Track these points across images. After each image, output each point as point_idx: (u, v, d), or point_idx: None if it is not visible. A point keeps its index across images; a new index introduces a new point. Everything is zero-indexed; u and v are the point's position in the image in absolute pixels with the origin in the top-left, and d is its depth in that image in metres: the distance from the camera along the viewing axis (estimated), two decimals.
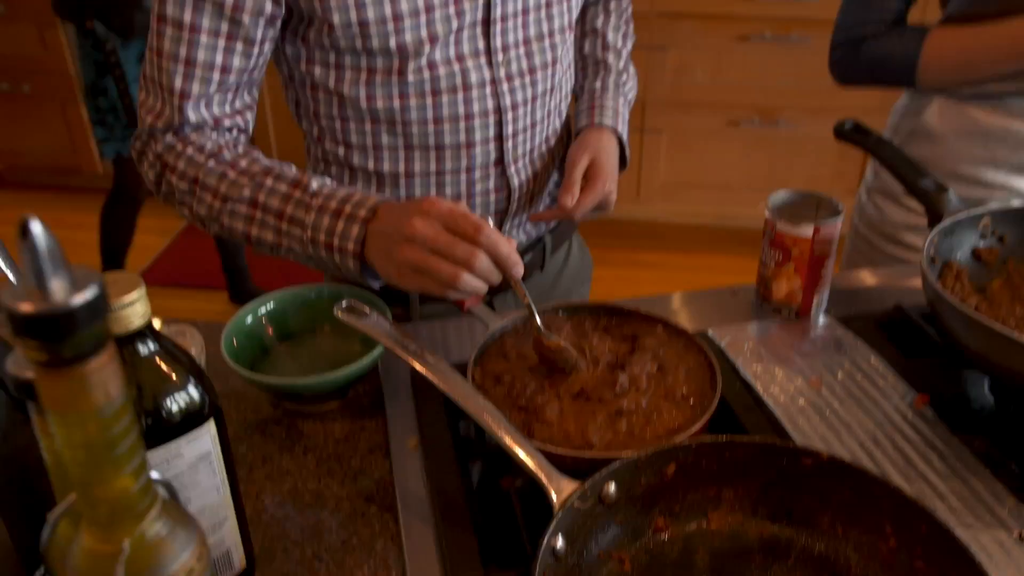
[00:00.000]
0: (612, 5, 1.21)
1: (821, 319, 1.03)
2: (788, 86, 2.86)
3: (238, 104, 0.96)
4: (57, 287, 0.35)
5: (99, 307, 0.36)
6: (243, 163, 0.92)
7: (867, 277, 1.17)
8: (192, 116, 0.93)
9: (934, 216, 0.98)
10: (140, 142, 0.97)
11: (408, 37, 0.93)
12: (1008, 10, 1.11)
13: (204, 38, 0.89)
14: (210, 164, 0.91)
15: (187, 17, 0.88)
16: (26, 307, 0.34)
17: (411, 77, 0.96)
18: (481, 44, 0.98)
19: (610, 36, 1.20)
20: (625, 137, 1.14)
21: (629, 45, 1.23)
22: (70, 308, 0.35)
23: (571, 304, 0.94)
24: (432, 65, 0.96)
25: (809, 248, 0.97)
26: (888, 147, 1.05)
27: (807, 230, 0.96)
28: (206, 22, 0.89)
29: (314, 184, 0.89)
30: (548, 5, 1.01)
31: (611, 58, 1.19)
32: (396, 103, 0.98)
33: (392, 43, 0.93)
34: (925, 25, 1.19)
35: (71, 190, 3.46)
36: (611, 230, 3.16)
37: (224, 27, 0.89)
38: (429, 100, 0.98)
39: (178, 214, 0.98)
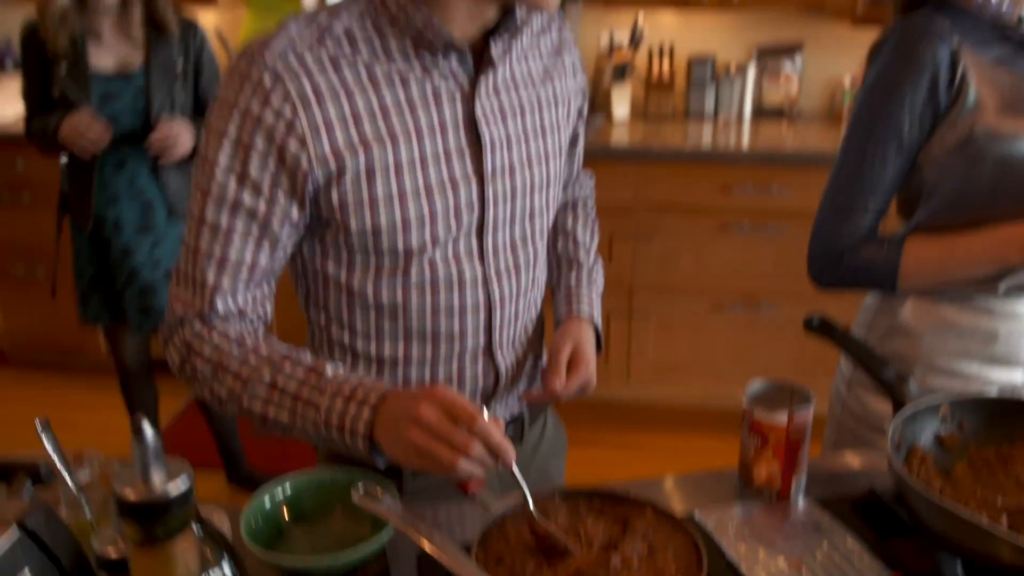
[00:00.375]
0: (579, 209, 1.37)
1: (800, 501, 1.10)
2: (768, 272, 3.03)
3: (259, 296, 1.07)
4: (157, 478, 0.43)
5: (188, 496, 0.44)
6: (263, 350, 1.01)
7: (844, 460, 1.24)
8: (220, 307, 1.03)
9: (897, 404, 1.07)
10: (168, 328, 1.07)
11: (414, 241, 1.05)
12: (975, 220, 1.23)
13: (237, 239, 1.01)
14: (233, 350, 1.01)
15: (224, 221, 1.01)
16: (131, 495, 0.43)
17: (414, 274, 1.08)
18: (475, 246, 1.11)
19: (580, 235, 1.35)
20: (600, 325, 1.27)
21: (596, 241, 1.37)
22: (167, 498, 0.43)
23: (567, 488, 1.01)
24: (432, 264, 1.08)
25: (785, 434, 1.06)
26: (852, 340, 1.15)
27: (782, 417, 1.05)
28: (240, 225, 1.01)
29: (328, 371, 0.98)
30: (531, 215, 1.15)
31: (582, 255, 1.33)
32: (400, 296, 1.09)
33: (400, 245, 1.05)
34: (896, 234, 1.30)
35: (76, 369, 3.55)
36: (604, 412, 3.24)
37: (255, 230, 1.01)
38: (429, 294, 1.10)
39: (197, 394, 1.07)
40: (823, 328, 1.18)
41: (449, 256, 1.09)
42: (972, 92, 1.18)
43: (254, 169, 0.99)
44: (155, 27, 2.33)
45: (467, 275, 1.10)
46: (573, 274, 1.31)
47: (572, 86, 1.21)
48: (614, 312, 3.16)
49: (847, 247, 1.29)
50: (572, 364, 1.17)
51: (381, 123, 1.01)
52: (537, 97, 1.14)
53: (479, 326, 1.14)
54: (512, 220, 1.13)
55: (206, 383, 1.03)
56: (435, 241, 1.06)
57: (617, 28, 3.41)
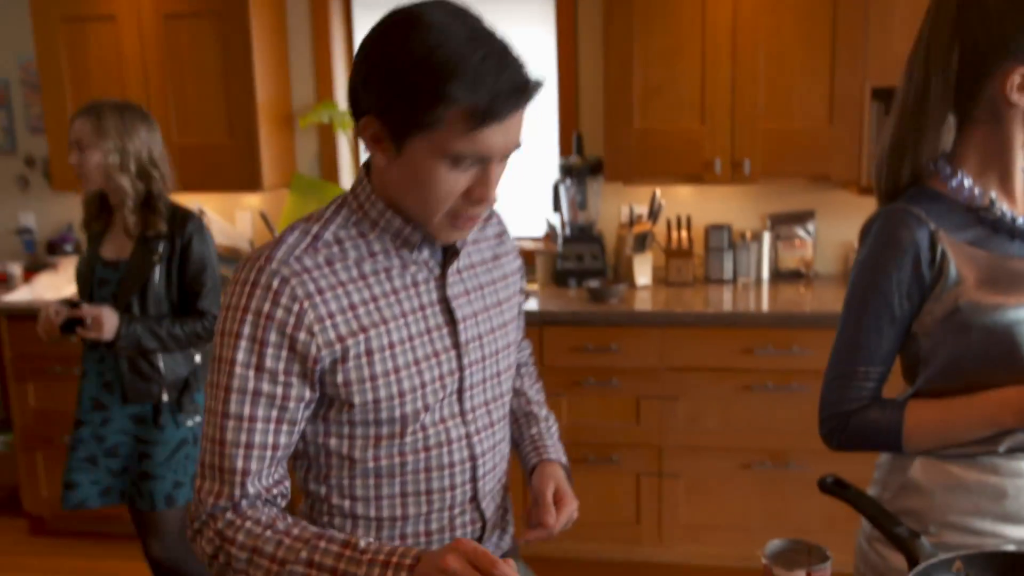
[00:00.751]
0: (524, 370, 1.58)
1: None
2: (794, 430, 3.08)
3: (280, 475, 1.20)
4: None
5: None
6: (296, 531, 1.12)
7: None
8: (251, 489, 1.16)
9: (911, 560, 1.14)
10: (199, 523, 1.17)
11: (408, 408, 1.21)
12: (970, 385, 1.32)
13: (260, 425, 1.16)
14: (267, 534, 1.12)
15: (247, 411, 1.15)
16: None
17: (409, 439, 1.23)
18: (457, 408, 1.28)
19: (530, 393, 1.56)
20: (567, 465, 1.47)
21: (543, 396, 1.59)
22: None
23: None
24: (424, 428, 1.24)
25: None
26: (864, 498, 1.23)
27: (800, 575, 1.12)
28: (261, 412, 1.16)
29: (362, 543, 1.09)
30: (498, 376, 1.34)
31: (536, 410, 1.54)
32: (397, 459, 1.24)
33: (397, 413, 1.21)
34: (899, 398, 1.39)
35: (112, 537, 3.60)
36: (637, 572, 3.23)
37: (275, 414, 1.16)
38: (422, 454, 1.25)
39: None
40: (836, 487, 1.25)
41: (437, 419, 1.25)
42: (952, 269, 1.30)
43: (270, 360, 1.15)
44: (143, 224, 2.50)
45: (453, 434, 1.27)
46: (534, 427, 1.50)
47: (515, 266, 1.43)
48: (644, 472, 3.21)
49: (852, 411, 1.38)
50: (556, 501, 1.36)
51: (373, 311, 1.19)
52: (491, 277, 1.35)
53: (466, 478, 1.30)
54: (484, 382, 1.31)
55: (240, 569, 1.12)
56: (426, 407, 1.23)
57: (636, 202, 3.63)
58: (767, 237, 3.52)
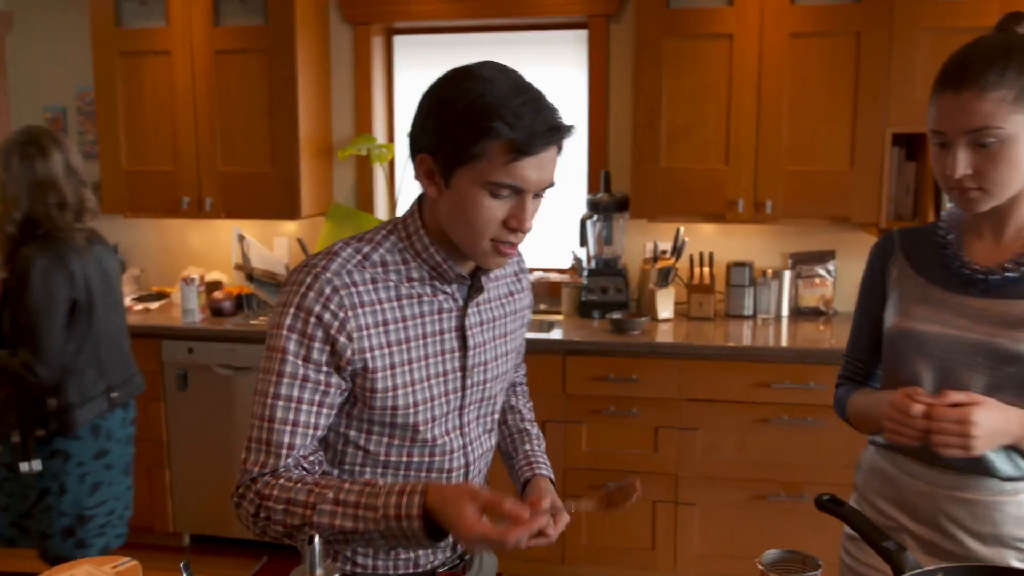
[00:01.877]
0: (519, 390, 1.76)
1: None
2: (809, 463, 3.16)
3: (316, 452, 1.37)
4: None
5: None
6: (323, 481, 1.31)
7: None
8: (291, 461, 1.33)
9: (896, 572, 1.23)
10: (242, 488, 1.33)
11: (420, 416, 1.39)
12: (894, 385, 1.49)
13: (305, 407, 1.33)
14: (298, 487, 1.29)
15: (295, 393, 1.32)
16: None
17: (418, 442, 1.40)
18: (457, 422, 1.45)
19: (524, 411, 1.72)
20: (554, 480, 1.61)
21: (534, 412, 1.75)
22: None
23: None
24: (434, 437, 1.41)
25: None
26: (857, 514, 1.33)
27: None
28: (307, 395, 1.33)
29: (380, 482, 1.28)
30: (493, 397, 1.51)
31: (529, 426, 1.69)
32: (404, 458, 1.41)
33: (411, 419, 1.38)
34: (869, 384, 1.67)
35: (144, 548, 3.72)
36: None
37: (317, 398, 1.33)
38: (427, 459, 1.42)
39: (271, 536, 1.31)
40: (832, 504, 1.35)
41: (444, 431, 1.42)
42: (891, 284, 1.56)
43: (316, 353, 1.32)
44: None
45: (455, 444, 1.45)
46: (527, 444, 1.65)
47: (526, 303, 1.60)
48: (660, 499, 3.29)
49: (837, 385, 1.72)
50: (552, 514, 1.44)
51: (401, 329, 1.36)
52: (504, 311, 1.52)
53: (459, 479, 1.47)
54: (481, 401, 1.49)
55: (277, 520, 1.29)
56: (434, 418, 1.40)
57: (660, 238, 3.74)
58: (787, 275, 3.62)
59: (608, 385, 3.26)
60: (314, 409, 1.33)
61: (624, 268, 3.69)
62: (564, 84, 3.83)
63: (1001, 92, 1.32)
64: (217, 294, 3.79)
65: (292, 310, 1.32)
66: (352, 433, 1.40)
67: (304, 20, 3.66)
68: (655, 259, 3.71)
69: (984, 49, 1.36)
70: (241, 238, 3.87)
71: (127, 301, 3.87)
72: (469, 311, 1.43)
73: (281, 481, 1.30)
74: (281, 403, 1.32)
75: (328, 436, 1.42)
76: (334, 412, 1.37)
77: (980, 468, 1.41)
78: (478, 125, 1.23)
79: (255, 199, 3.74)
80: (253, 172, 3.72)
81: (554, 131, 1.26)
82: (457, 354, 1.43)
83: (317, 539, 0.58)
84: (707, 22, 3.32)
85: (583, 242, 3.65)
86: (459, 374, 1.43)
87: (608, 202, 3.58)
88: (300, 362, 1.32)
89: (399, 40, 4.01)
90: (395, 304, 1.36)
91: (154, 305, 3.93)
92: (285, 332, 1.32)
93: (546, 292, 3.83)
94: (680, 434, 3.24)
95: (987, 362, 1.41)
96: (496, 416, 1.57)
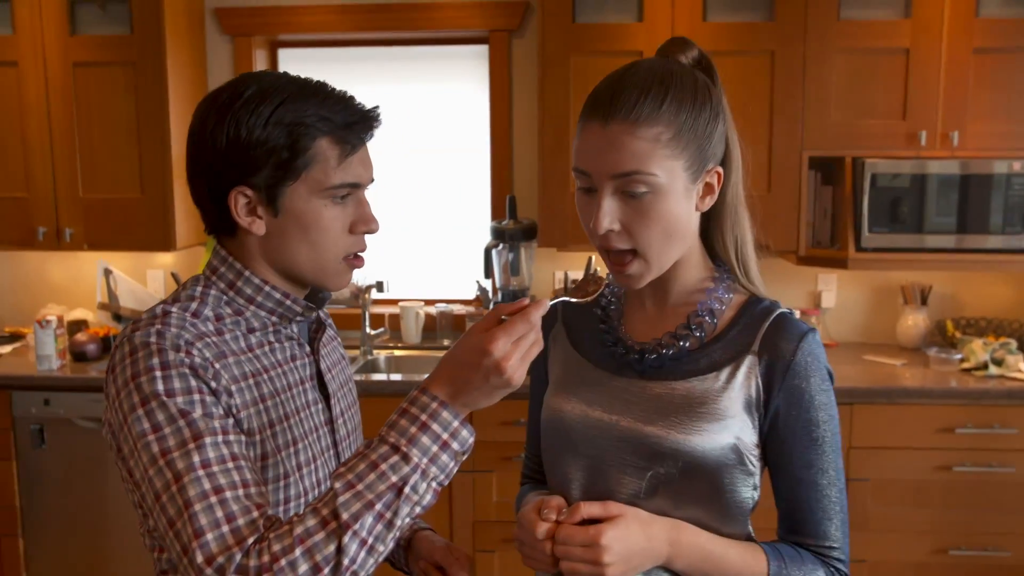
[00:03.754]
0: None
1: None
2: None
3: (264, 500, 1.06)
4: None
5: None
6: (317, 502, 1.00)
7: None
8: (263, 522, 1.01)
9: None
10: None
11: (292, 491, 1.17)
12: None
13: (245, 463, 1.05)
14: (299, 518, 0.99)
15: (224, 451, 1.03)
16: None
17: (292, 475, 1.18)
18: (329, 441, 1.27)
19: None
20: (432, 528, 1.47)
21: None
22: None
23: None
24: (299, 466, 1.19)
25: None
26: None
27: None
28: (237, 448, 1.06)
29: (375, 441, 1.02)
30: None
31: None
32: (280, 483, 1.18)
33: (280, 495, 1.16)
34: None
35: None
36: None
37: (224, 450, 1.04)
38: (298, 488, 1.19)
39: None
40: None
41: (317, 477, 1.23)
42: (553, 373, 1.31)
43: (197, 405, 1.04)
44: None
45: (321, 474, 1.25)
46: None
47: (342, 351, 1.43)
48: None
49: (525, 487, 1.45)
50: (457, 559, 1.34)
51: (265, 381, 1.16)
52: (338, 355, 1.39)
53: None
54: (353, 432, 1.35)
55: (304, 565, 0.96)
56: (306, 491, 1.19)
57: (571, 268, 3.52)
58: None
59: (519, 430, 3.00)
60: (229, 466, 1.03)
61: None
62: (464, 102, 3.57)
63: (656, 129, 1.08)
64: (80, 336, 3.36)
65: (155, 374, 1.04)
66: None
67: (175, 30, 3.30)
68: (566, 290, 3.48)
69: (641, 74, 1.12)
70: (107, 272, 3.47)
71: None
72: (320, 352, 1.30)
73: (272, 536, 0.97)
74: (187, 483, 0.99)
75: None
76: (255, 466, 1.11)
77: None
78: (296, 132, 1.12)
79: (122, 229, 3.34)
80: (119, 198, 3.33)
81: (369, 116, 1.19)
82: (320, 406, 1.26)
83: None
84: (616, 38, 3.13)
85: (488, 272, 3.39)
86: (326, 428, 1.27)
87: (514, 230, 3.33)
88: (181, 422, 1.03)
89: (285, 54, 3.69)
90: (251, 355, 1.17)
91: (7, 348, 3.48)
92: (157, 402, 1.03)
93: (450, 325, 3.56)
94: None
95: (637, 460, 1.16)
96: None
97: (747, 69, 3.09)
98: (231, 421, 1.08)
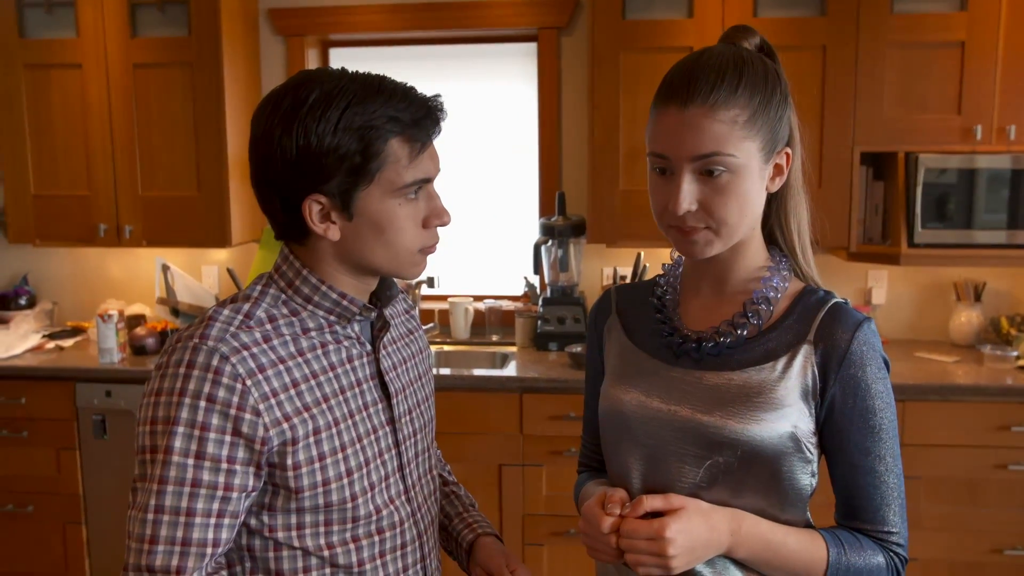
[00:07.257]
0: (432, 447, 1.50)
1: None
2: None
3: (215, 569, 1.11)
4: None
5: None
6: None
7: None
8: None
9: None
10: None
11: (357, 487, 1.17)
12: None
13: (199, 519, 1.06)
14: None
15: (184, 503, 1.05)
16: None
17: (361, 522, 1.19)
18: (401, 486, 1.26)
19: (444, 474, 1.54)
20: (499, 535, 1.46)
21: (453, 474, 1.58)
22: None
23: None
24: (377, 509, 1.20)
25: None
26: None
27: None
28: (201, 504, 1.06)
29: None
30: (427, 449, 1.35)
31: (454, 487, 1.53)
32: (351, 546, 1.19)
33: (347, 493, 1.16)
34: None
35: None
36: None
37: (215, 506, 1.06)
38: (376, 538, 1.21)
39: None
40: None
41: (387, 499, 1.22)
42: (609, 363, 1.33)
43: (212, 446, 1.06)
44: None
45: (402, 512, 1.25)
46: (458, 504, 1.49)
47: (425, 342, 1.43)
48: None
49: (583, 476, 1.47)
50: (512, 570, 1.34)
51: (315, 387, 1.15)
52: (410, 351, 1.36)
53: (416, 558, 1.28)
54: (418, 456, 1.31)
55: None
56: (372, 485, 1.19)
57: (620, 264, 3.53)
58: None
59: (569, 424, 3.03)
60: (211, 522, 1.07)
61: (582, 296, 3.47)
62: (513, 100, 3.60)
63: (733, 112, 1.11)
64: (139, 330, 3.45)
65: (173, 397, 1.06)
66: (281, 534, 1.15)
67: (231, 32, 3.37)
68: (615, 283, 3.49)
69: (715, 59, 1.14)
70: (165, 268, 3.56)
71: (37, 338, 3.52)
72: (382, 353, 1.26)
73: None
74: (166, 518, 1.05)
75: (254, 546, 1.15)
76: (238, 523, 1.10)
77: None
78: (367, 136, 1.11)
79: (180, 226, 3.42)
80: (177, 196, 3.41)
81: (434, 109, 1.17)
82: (380, 406, 1.24)
83: None
84: (666, 35, 3.13)
85: (537, 269, 3.41)
86: (388, 429, 1.24)
87: (563, 226, 3.35)
88: (190, 462, 1.06)
89: (336, 53, 3.75)
90: (299, 360, 1.15)
91: (68, 342, 3.58)
92: (166, 426, 1.06)
93: (499, 322, 3.59)
94: None
95: (696, 450, 1.17)
96: (435, 475, 1.38)
97: (798, 64, 3.07)
98: (224, 467, 1.07)
